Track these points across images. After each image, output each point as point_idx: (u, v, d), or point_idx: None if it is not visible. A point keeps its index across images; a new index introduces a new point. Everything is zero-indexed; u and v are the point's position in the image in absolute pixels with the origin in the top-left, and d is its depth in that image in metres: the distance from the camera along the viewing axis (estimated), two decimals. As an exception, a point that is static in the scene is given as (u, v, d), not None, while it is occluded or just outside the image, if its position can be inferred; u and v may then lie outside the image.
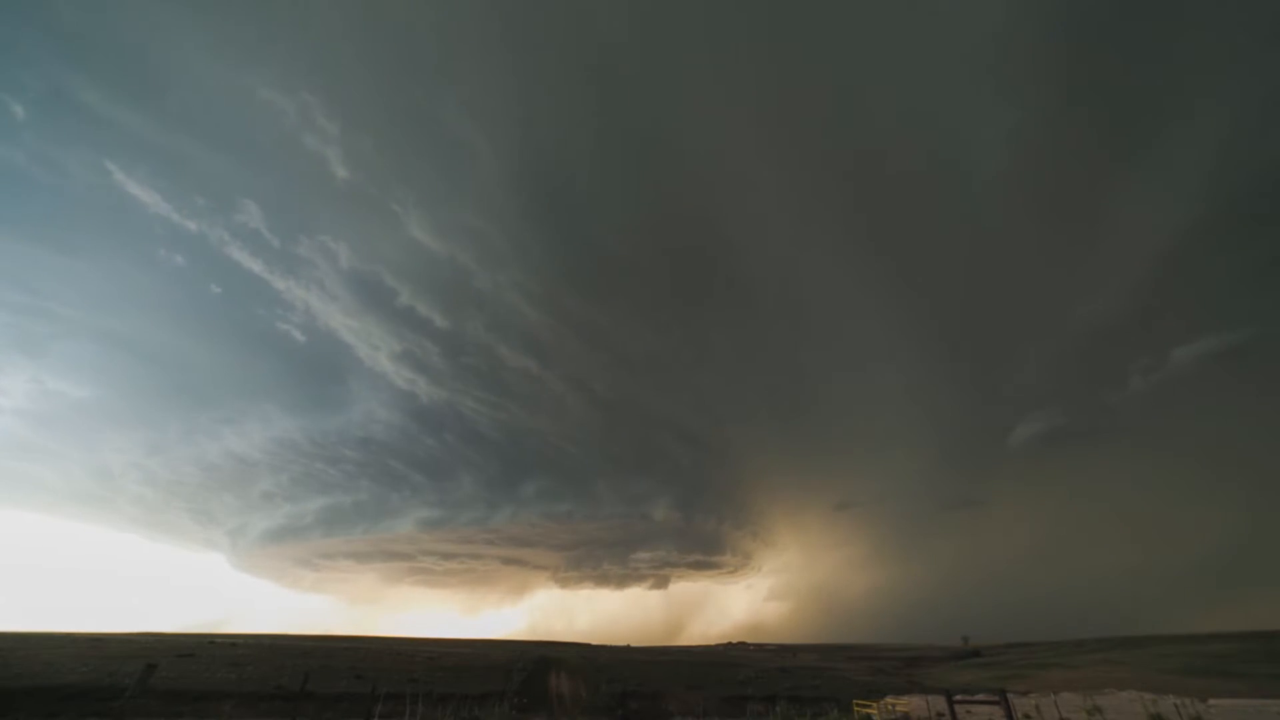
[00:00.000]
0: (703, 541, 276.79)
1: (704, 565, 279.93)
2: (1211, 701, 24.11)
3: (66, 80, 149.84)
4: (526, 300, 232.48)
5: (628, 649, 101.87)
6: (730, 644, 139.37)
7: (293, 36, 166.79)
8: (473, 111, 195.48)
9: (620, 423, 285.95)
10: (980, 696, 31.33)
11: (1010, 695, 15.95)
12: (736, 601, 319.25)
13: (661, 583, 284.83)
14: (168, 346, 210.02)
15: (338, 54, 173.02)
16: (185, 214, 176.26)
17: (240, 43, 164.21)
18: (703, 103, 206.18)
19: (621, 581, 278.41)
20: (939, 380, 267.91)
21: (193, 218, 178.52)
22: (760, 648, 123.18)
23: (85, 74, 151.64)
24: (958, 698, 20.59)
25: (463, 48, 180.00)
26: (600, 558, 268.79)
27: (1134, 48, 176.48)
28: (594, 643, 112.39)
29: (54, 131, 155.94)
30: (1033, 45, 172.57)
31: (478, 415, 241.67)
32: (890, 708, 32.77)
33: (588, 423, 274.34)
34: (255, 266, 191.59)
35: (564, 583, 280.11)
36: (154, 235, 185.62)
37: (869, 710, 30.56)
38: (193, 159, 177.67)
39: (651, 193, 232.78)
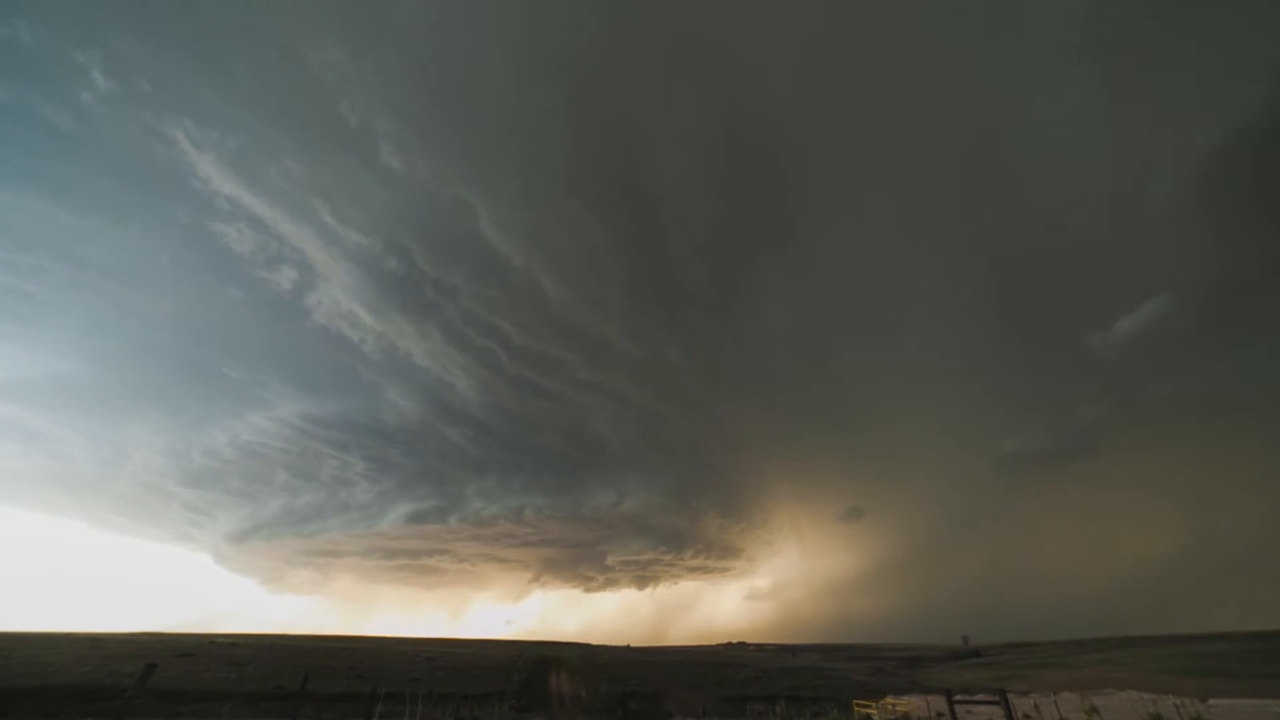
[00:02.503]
0: (704, 542, 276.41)
1: (705, 567, 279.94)
2: (1211, 701, 24.08)
3: (139, 48, 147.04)
4: (582, 301, 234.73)
5: (628, 649, 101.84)
6: (730, 644, 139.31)
7: (376, 25, 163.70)
8: (557, 112, 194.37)
9: (637, 421, 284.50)
10: (980, 696, 31.34)
11: (1010, 695, 15.94)
12: (736, 602, 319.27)
13: (652, 583, 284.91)
14: (192, 328, 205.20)
15: (421, 44, 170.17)
16: (254, 194, 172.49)
17: (319, 21, 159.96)
18: (782, 91, 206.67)
19: (622, 582, 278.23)
20: (956, 386, 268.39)
21: (260, 198, 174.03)
22: (760, 648, 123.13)
23: (160, 42, 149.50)
24: (958, 698, 20.58)
25: (544, 46, 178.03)
26: (597, 558, 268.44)
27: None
28: (594, 643, 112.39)
29: (124, 97, 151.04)
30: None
31: (492, 410, 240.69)
32: (890, 708, 32.75)
33: (603, 420, 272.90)
34: (306, 247, 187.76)
35: (558, 583, 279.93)
36: (216, 211, 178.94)
37: (869, 710, 30.56)
38: (261, 137, 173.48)
39: (722, 203, 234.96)
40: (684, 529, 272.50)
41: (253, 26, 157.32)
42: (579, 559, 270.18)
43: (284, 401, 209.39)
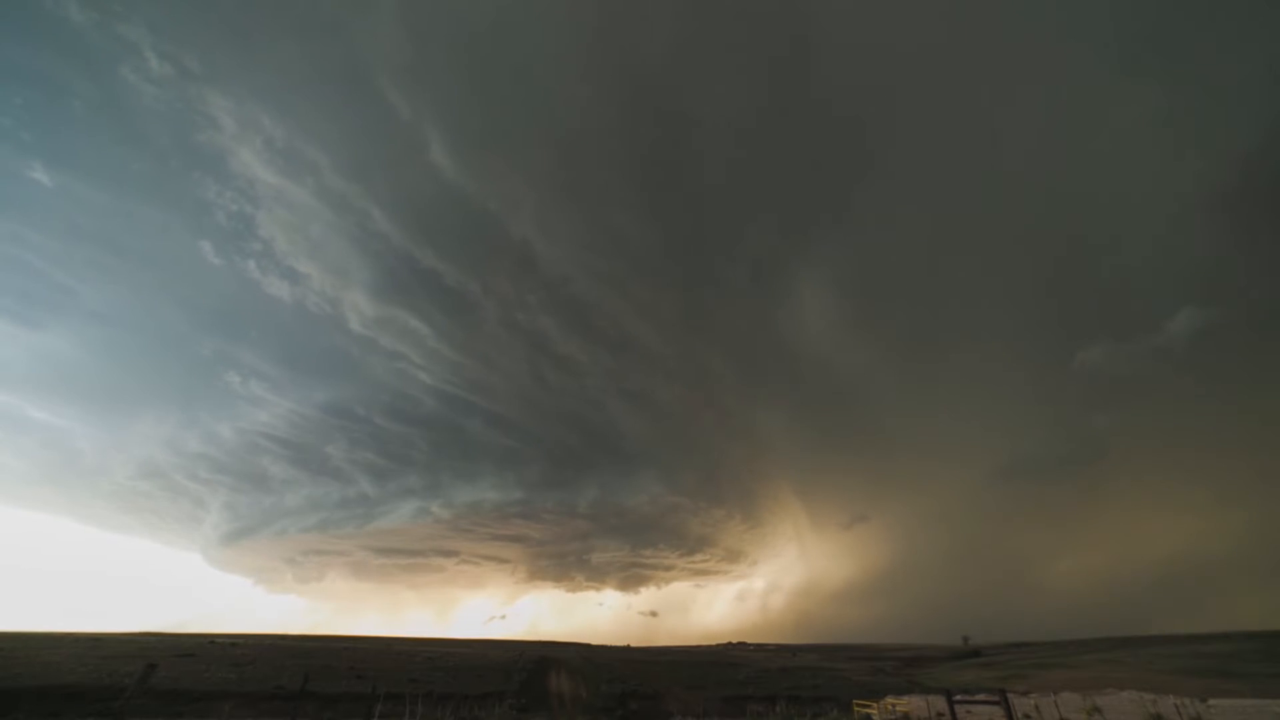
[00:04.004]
0: (708, 543, 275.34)
1: (707, 567, 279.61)
2: (1211, 701, 24.07)
3: (187, 26, 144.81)
4: (626, 304, 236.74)
5: (627, 649, 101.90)
6: (730, 644, 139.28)
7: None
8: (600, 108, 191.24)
9: (662, 423, 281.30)
10: (980, 696, 31.30)
11: (1010, 695, 15.94)
12: (737, 603, 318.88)
13: (654, 584, 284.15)
14: (210, 317, 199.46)
15: (478, 39, 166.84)
16: (297, 183, 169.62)
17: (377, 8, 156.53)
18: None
19: (625, 583, 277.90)
20: (965, 392, 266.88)
21: (303, 188, 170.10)
22: (760, 648, 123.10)
23: (209, 22, 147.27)
24: (958, 698, 20.58)
25: (599, 43, 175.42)
26: (600, 557, 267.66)
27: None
28: (593, 643, 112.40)
29: (169, 76, 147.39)
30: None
31: (516, 407, 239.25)
32: (890, 708, 32.76)
33: (630, 420, 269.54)
34: (343, 239, 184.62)
35: (559, 583, 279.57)
36: (254, 199, 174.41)
37: (869, 710, 30.56)
38: (309, 126, 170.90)
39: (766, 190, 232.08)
40: (691, 529, 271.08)
41: (308, 9, 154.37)
42: (581, 559, 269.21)
43: (297, 396, 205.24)
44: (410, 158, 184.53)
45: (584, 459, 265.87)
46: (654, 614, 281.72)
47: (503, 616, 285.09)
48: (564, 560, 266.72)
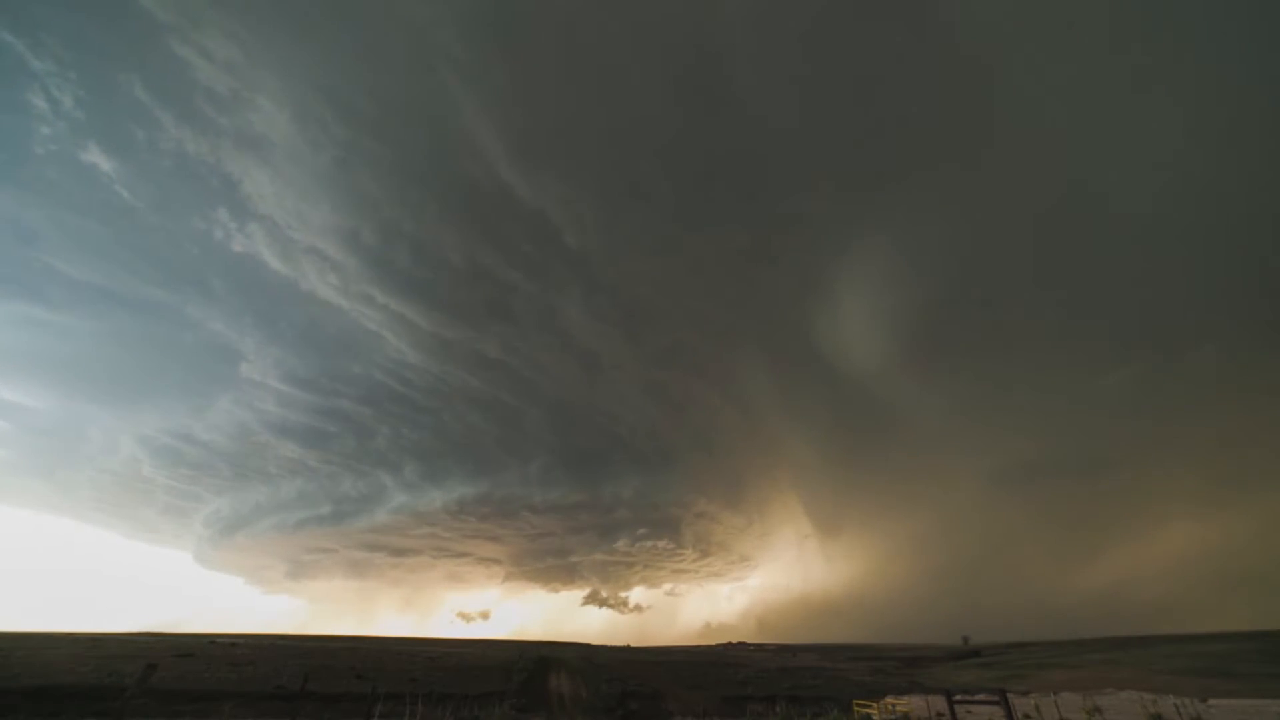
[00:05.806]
0: (710, 542, 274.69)
1: (707, 568, 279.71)
2: (1211, 701, 24.10)
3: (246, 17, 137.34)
4: (673, 309, 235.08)
5: (628, 649, 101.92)
6: (730, 644, 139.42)
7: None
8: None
9: (686, 424, 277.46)
10: (980, 696, 31.30)
11: (1010, 695, 15.94)
12: (737, 603, 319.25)
13: (655, 584, 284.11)
14: (222, 313, 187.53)
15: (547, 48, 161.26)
16: (344, 171, 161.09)
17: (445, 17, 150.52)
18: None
19: (626, 582, 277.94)
20: (967, 394, 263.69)
21: (359, 177, 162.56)
22: (760, 648, 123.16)
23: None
24: (958, 698, 20.60)
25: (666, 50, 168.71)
26: (602, 556, 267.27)
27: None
28: (594, 643, 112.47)
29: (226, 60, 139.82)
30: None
31: (532, 403, 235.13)
32: (890, 708, 32.76)
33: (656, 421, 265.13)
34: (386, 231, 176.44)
35: (561, 583, 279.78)
36: (295, 186, 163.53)
37: (869, 710, 30.54)
38: (368, 126, 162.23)
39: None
40: (713, 534, 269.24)
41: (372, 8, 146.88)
42: (586, 559, 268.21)
43: (317, 389, 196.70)
44: (469, 156, 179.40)
45: (607, 459, 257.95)
46: (655, 614, 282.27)
47: (484, 615, 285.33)
48: (568, 560, 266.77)
